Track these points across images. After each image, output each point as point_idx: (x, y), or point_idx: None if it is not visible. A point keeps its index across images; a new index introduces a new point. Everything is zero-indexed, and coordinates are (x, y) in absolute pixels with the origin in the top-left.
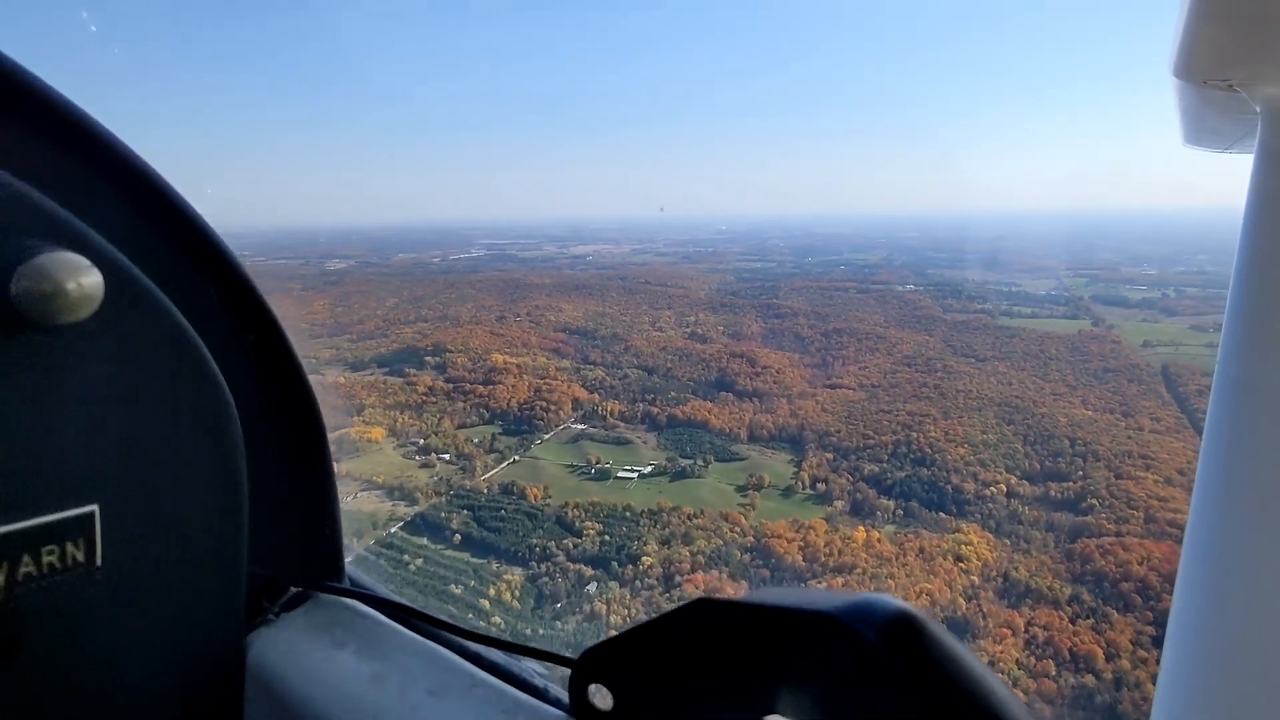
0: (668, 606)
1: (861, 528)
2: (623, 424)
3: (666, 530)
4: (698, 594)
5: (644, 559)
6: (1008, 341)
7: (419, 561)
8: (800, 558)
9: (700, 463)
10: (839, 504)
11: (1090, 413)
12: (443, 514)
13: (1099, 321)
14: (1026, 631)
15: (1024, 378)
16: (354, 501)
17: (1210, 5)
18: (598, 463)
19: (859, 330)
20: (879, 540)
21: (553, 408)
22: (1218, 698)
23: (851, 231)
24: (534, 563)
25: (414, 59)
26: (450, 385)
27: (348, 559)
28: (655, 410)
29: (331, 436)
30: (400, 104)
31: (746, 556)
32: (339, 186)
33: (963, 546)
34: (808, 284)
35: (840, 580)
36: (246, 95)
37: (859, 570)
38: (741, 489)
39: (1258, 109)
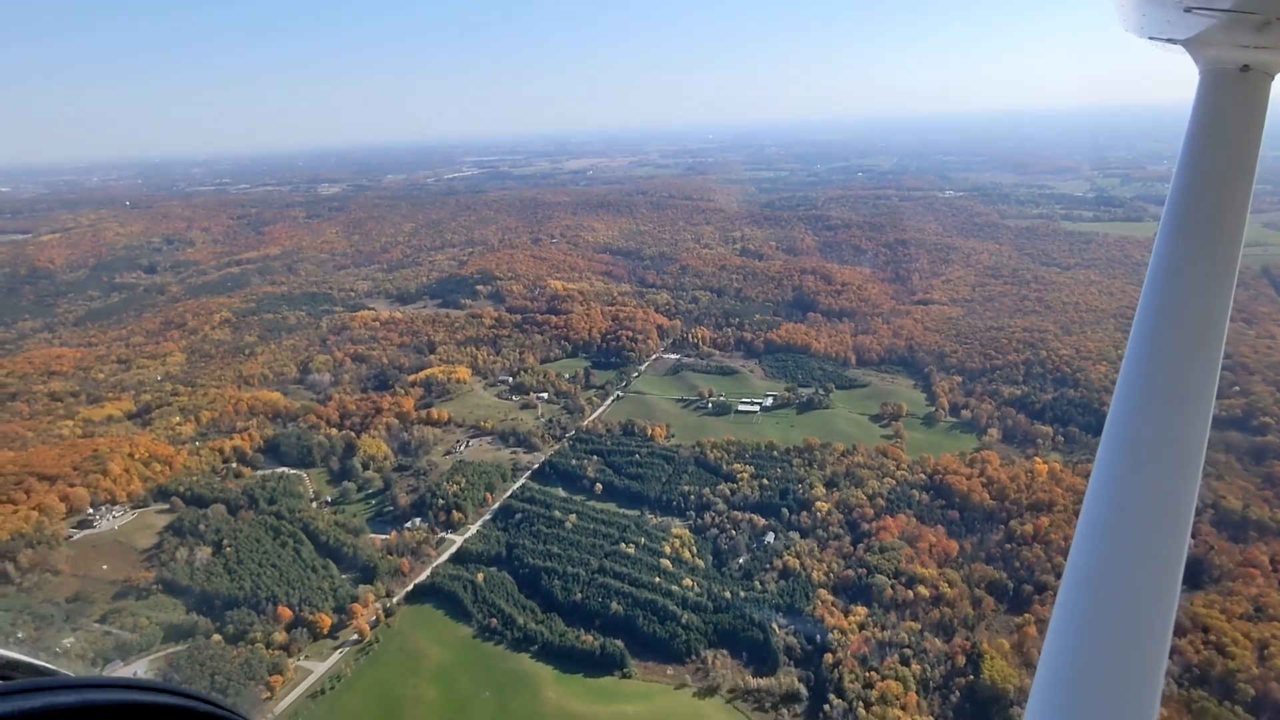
0: (871, 559)
1: (1039, 459)
2: (718, 351)
3: (827, 470)
4: (895, 542)
5: (817, 504)
6: (1085, 248)
7: (572, 518)
8: (987, 495)
9: (821, 391)
10: (993, 432)
11: None
12: (572, 461)
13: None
14: (1276, 571)
15: (1123, 286)
16: (468, 451)
17: None
18: (711, 395)
19: (925, 241)
20: (1062, 471)
21: (639, 337)
22: (1095, 684)
23: (846, 136)
24: (692, 512)
25: None
26: (519, 316)
27: None
28: (748, 335)
29: (417, 377)
30: (363, 19)
31: (925, 497)
32: (304, 107)
33: None
34: (844, 193)
35: (1046, 520)
36: (204, 14)
37: (1059, 508)
38: (877, 419)
39: (1198, 67)
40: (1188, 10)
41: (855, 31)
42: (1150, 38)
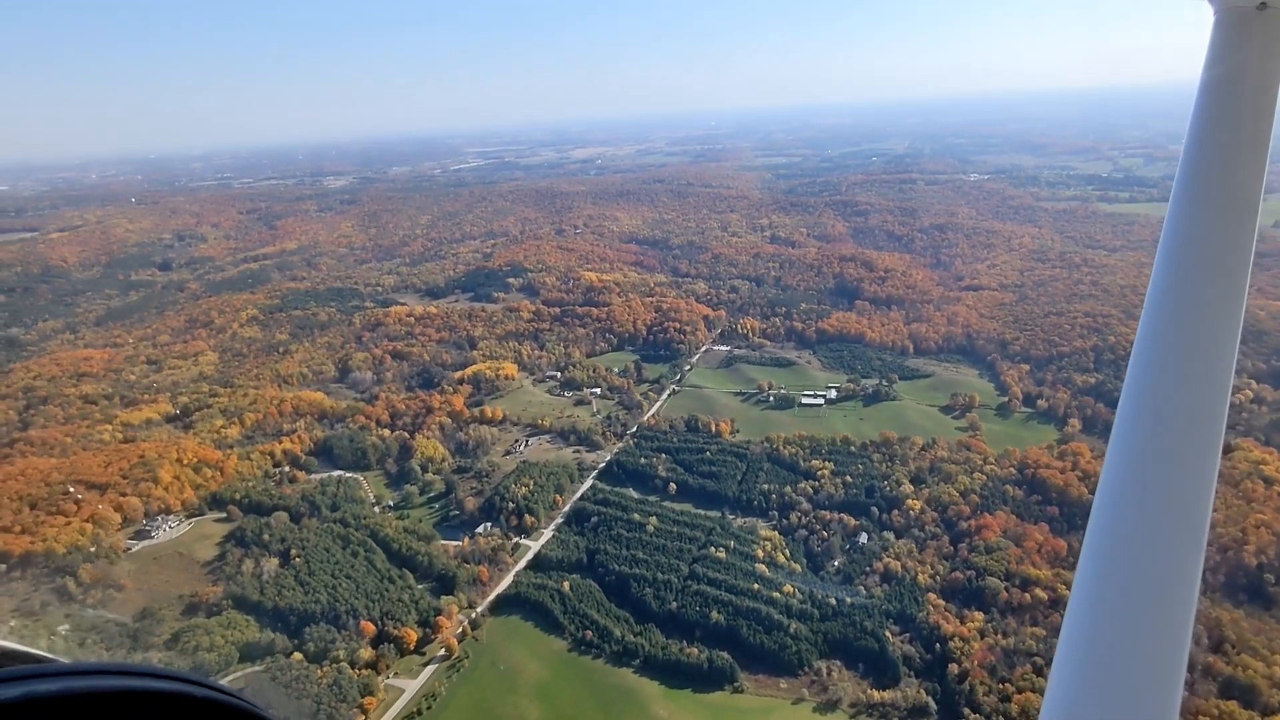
0: (976, 560)
1: None
2: (769, 342)
3: (910, 466)
4: (1000, 542)
5: (908, 502)
6: (1128, 229)
7: (653, 521)
8: (1085, 490)
9: (885, 383)
10: (1074, 423)
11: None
12: (640, 460)
13: None
14: None
15: None
16: (529, 450)
17: None
18: (771, 388)
19: (961, 225)
20: None
21: (687, 329)
22: (1109, 682)
23: (852, 120)
24: (775, 513)
25: None
26: (557, 309)
27: None
28: (799, 325)
29: (465, 373)
30: (357, 11)
31: (1019, 492)
32: (300, 101)
33: (1261, 466)
34: (865, 178)
35: None
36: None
37: None
38: (948, 410)
39: (1212, 7)
40: None
41: (854, 16)
42: None
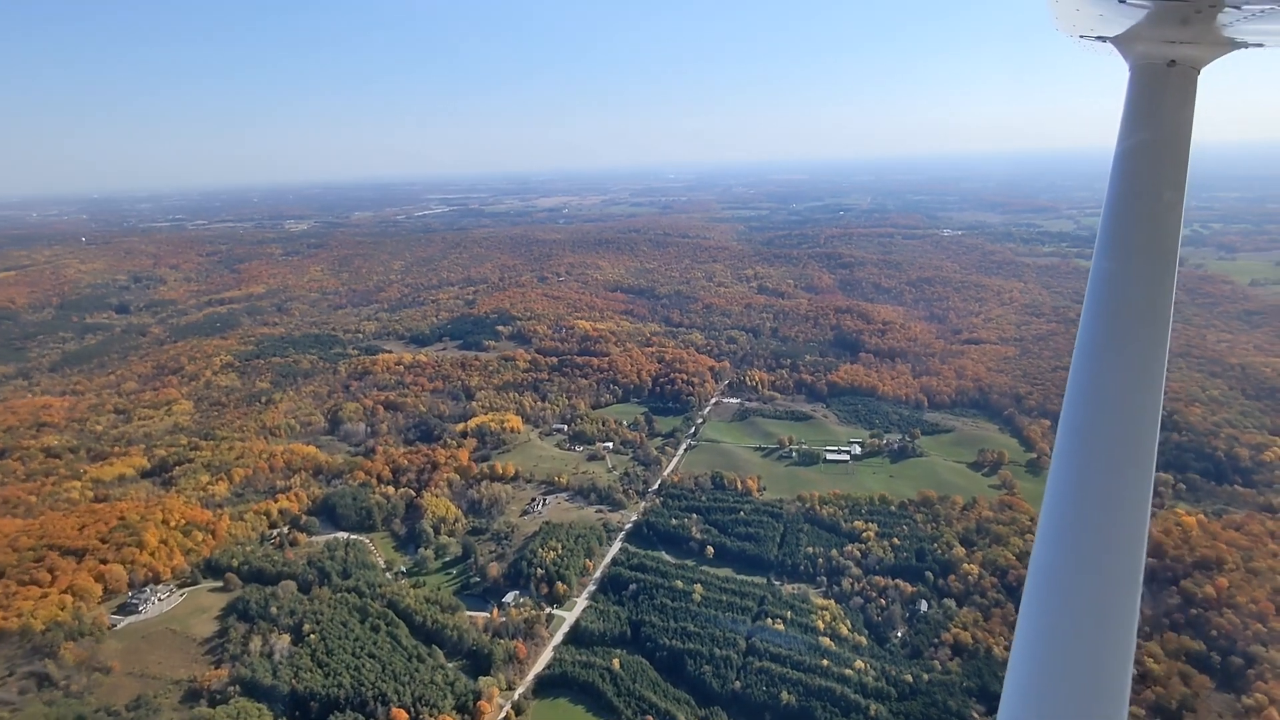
0: None
1: (1182, 511)
2: (780, 395)
3: (956, 526)
4: None
5: (963, 566)
6: None
7: (698, 590)
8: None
9: (908, 438)
10: None
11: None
12: (671, 521)
13: (1183, 261)
14: None
15: (1180, 327)
16: (549, 510)
17: None
18: (792, 443)
19: (949, 279)
20: (1212, 524)
21: (694, 380)
22: (1062, 685)
23: (809, 177)
24: (823, 578)
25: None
26: (554, 359)
27: None
28: (808, 377)
29: (467, 425)
30: (310, 55)
31: None
32: (250, 143)
33: None
34: (843, 231)
35: (1225, 581)
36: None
37: (1230, 566)
38: (977, 467)
39: (1128, 64)
40: (1122, 1)
41: (807, 79)
42: (1081, 36)
